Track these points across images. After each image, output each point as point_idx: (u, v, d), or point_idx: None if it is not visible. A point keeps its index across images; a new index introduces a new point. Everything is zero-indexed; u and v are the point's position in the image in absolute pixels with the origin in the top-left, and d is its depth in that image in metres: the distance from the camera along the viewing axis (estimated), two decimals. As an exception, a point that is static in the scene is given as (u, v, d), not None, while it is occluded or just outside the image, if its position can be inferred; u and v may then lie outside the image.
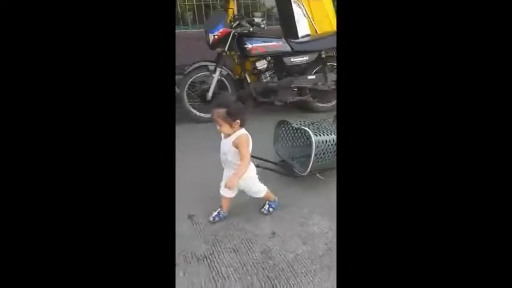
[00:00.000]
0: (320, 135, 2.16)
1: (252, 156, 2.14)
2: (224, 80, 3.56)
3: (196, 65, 3.49)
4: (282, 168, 2.49)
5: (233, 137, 1.82)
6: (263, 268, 1.66)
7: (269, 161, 2.49)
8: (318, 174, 2.31)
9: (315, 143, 2.10)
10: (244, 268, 1.66)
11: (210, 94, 3.48)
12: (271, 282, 1.57)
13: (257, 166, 2.06)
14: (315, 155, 2.12)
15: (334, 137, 2.16)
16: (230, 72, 3.60)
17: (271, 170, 2.37)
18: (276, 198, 2.08)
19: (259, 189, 1.99)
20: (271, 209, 2.05)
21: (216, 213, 2.01)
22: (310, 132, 2.14)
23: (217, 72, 3.47)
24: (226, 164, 1.92)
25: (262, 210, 2.05)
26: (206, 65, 3.49)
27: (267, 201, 2.06)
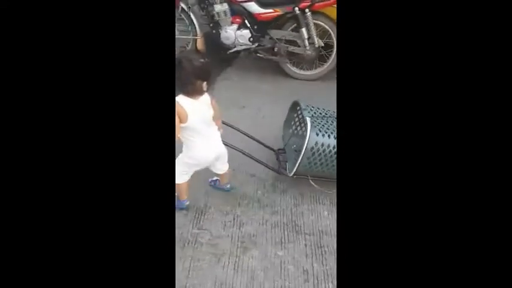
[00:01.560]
0: (324, 134, 1.68)
1: (239, 132, 2.00)
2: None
3: None
4: (277, 160, 2.05)
5: None
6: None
7: (265, 145, 2.11)
8: (311, 181, 1.89)
9: (309, 140, 1.65)
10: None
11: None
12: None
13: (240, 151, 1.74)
14: (308, 158, 1.69)
15: None
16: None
17: (253, 158, 1.91)
18: (188, 202, 1.76)
19: (177, 177, 1.63)
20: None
21: None
22: (309, 127, 1.67)
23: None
24: None
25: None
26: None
27: (177, 197, 1.75)
